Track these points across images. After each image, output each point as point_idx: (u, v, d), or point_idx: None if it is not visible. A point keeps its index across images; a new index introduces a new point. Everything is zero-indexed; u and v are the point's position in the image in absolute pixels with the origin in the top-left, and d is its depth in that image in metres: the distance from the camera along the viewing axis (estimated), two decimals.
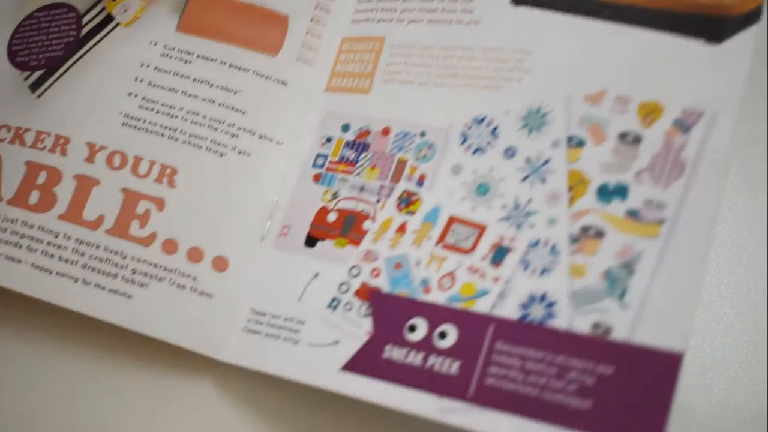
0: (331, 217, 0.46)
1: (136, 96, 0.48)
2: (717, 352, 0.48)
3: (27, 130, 0.48)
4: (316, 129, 0.48)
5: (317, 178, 0.47)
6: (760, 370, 0.47)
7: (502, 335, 0.39)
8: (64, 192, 0.47)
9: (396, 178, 0.45)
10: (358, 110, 0.48)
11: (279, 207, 0.47)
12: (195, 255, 0.46)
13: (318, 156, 0.48)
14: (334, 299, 0.43)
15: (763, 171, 0.52)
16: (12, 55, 0.50)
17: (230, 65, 0.49)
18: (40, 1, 0.51)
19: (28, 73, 0.49)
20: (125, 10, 0.50)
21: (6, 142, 0.48)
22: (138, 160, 0.47)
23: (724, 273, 0.50)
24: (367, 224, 0.45)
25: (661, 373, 0.36)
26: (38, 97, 0.49)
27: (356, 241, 0.44)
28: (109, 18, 0.50)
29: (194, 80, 0.48)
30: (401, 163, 0.45)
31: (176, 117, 0.48)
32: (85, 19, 0.50)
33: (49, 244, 0.46)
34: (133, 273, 0.45)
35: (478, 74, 0.45)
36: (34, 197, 0.47)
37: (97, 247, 0.46)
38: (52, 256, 0.46)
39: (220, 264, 0.46)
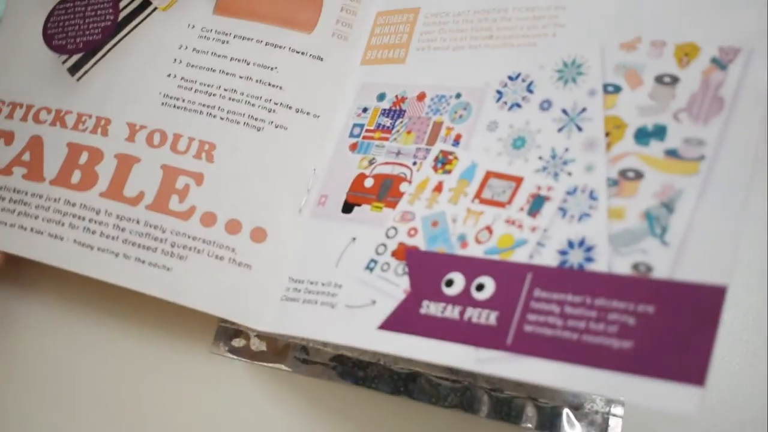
0: (368, 182, 0.45)
1: (174, 76, 0.49)
2: (717, 352, 0.47)
3: (68, 112, 0.49)
4: (351, 101, 0.49)
5: (354, 147, 0.47)
6: (760, 370, 0.47)
7: (539, 283, 0.38)
8: (106, 170, 0.48)
9: (432, 140, 0.45)
10: (394, 79, 0.48)
11: (316, 177, 0.47)
12: (233, 227, 0.46)
13: (354, 126, 0.48)
14: (371, 261, 0.43)
15: (762, 171, 0.51)
16: (48, 39, 0.51)
17: (266, 43, 0.49)
18: None
19: (65, 56, 0.51)
20: None
21: (47, 125, 0.49)
22: (177, 137, 0.48)
23: None
24: (403, 186, 0.44)
25: (703, 307, 0.34)
26: (78, 80, 0.50)
27: (393, 204, 0.44)
28: (146, 2, 0.51)
29: (231, 59, 0.49)
30: (437, 125, 0.45)
31: (214, 95, 0.48)
32: (122, 4, 0.52)
33: (90, 221, 0.47)
34: (173, 246, 0.46)
35: (513, 33, 0.45)
36: (76, 177, 0.48)
37: (138, 222, 0.46)
38: (93, 232, 0.46)
39: (259, 235, 0.46)
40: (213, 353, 0.48)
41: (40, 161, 0.48)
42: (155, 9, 0.51)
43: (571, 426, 0.45)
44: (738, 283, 0.48)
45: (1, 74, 0.52)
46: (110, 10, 0.51)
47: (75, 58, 0.51)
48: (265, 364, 0.47)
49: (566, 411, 0.46)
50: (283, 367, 0.47)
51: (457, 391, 0.47)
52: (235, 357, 0.48)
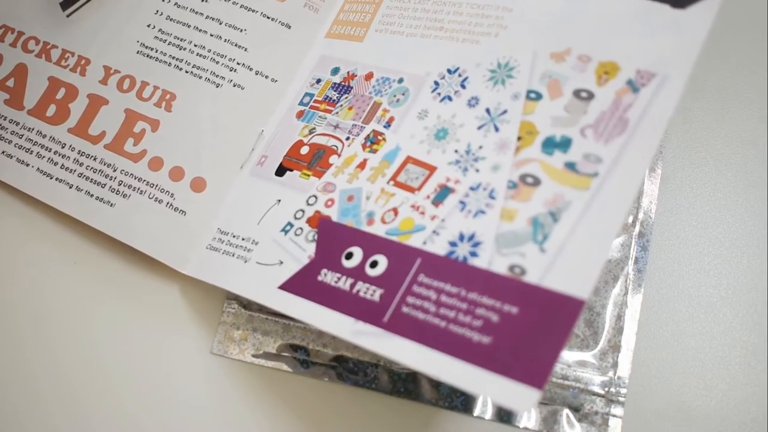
0: (304, 150, 0.48)
1: (153, 27, 0.52)
2: (717, 352, 0.47)
3: (54, 46, 0.52)
4: (309, 70, 0.51)
5: (300, 114, 0.49)
6: (760, 370, 0.47)
7: (425, 269, 0.40)
8: (77, 108, 0.51)
9: (368, 119, 0.47)
10: (349, 56, 0.50)
11: (262, 138, 0.50)
12: (176, 174, 0.49)
13: (305, 95, 0.50)
14: (288, 224, 0.45)
15: (762, 171, 0.51)
16: None
17: (241, 6, 0.52)
18: None
19: None
20: None
21: (33, 55, 0.53)
22: (144, 84, 0.51)
23: (723, 273, 0.49)
24: (333, 159, 0.46)
25: (559, 316, 0.36)
26: (68, 16, 0.53)
27: (320, 174, 0.46)
28: None
29: (207, 17, 0.52)
30: (376, 106, 0.47)
31: (184, 49, 0.51)
32: None
33: (55, 153, 0.50)
34: (120, 185, 0.49)
35: (461, 28, 0.46)
36: (51, 110, 0.51)
37: (95, 159, 0.50)
38: (56, 163, 0.50)
39: (198, 185, 0.49)
40: (213, 353, 0.49)
41: (22, 89, 0.52)
42: None
43: (571, 426, 0.46)
44: (738, 283, 0.49)
45: None
46: None
47: None
48: (265, 364, 0.48)
49: (566, 411, 0.46)
50: (283, 367, 0.48)
51: (457, 391, 0.47)
52: (235, 357, 0.49)
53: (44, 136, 0.50)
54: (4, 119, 0.51)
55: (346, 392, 0.48)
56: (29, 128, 0.51)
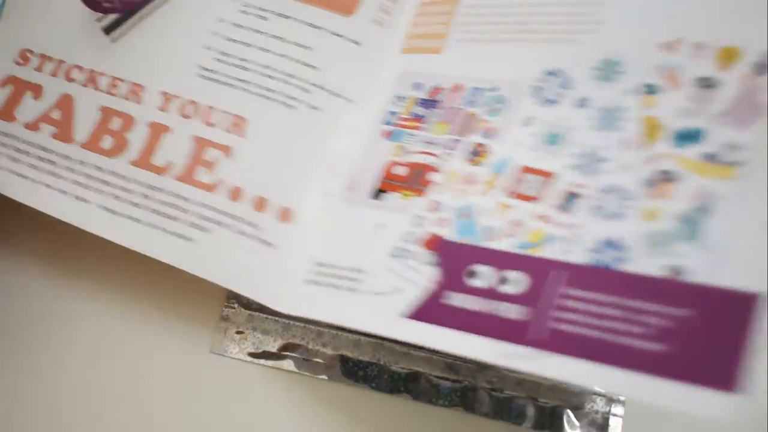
0: (399, 170, 0.45)
1: (212, 49, 0.49)
2: None
3: (101, 74, 0.49)
4: (388, 88, 0.48)
5: (388, 134, 0.47)
6: (760, 369, 0.47)
7: (569, 279, 0.38)
8: (137, 138, 0.47)
9: (465, 131, 0.44)
10: (431, 69, 0.48)
11: (347, 162, 0.47)
12: (260, 204, 0.46)
13: (389, 113, 0.48)
14: (397, 248, 0.43)
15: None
16: None
17: (305, 23, 0.49)
18: None
19: (100, 15, 0.50)
20: None
21: (79, 84, 0.49)
22: (210, 109, 0.48)
23: None
24: (434, 176, 0.44)
25: (736, 314, 0.34)
26: (113, 41, 0.50)
27: (421, 193, 0.44)
28: None
29: (270, 36, 0.49)
30: (471, 117, 0.45)
31: (250, 70, 0.48)
32: None
33: (119, 188, 0.47)
34: (197, 218, 0.46)
35: (552, 28, 0.45)
36: (107, 142, 0.47)
37: (165, 191, 0.46)
38: (120, 198, 0.46)
39: (285, 215, 0.46)
40: (212, 352, 0.48)
41: (70, 121, 0.48)
42: None
43: (572, 426, 0.46)
44: None
45: (29, 24, 0.52)
46: None
47: (111, 17, 0.50)
48: (265, 363, 0.48)
49: (567, 411, 0.46)
50: (283, 366, 0.48)
51: (457, 390, 0.47)
52: (234, 356, 0.48)
53: (103, 171, 0.47)
54: (53, 154, 0.48)
55: (346, 392, 0.48)
56: (84, 162, 0.47)
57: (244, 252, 0.45)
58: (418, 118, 0.46)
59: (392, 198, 0.44)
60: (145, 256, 0.45)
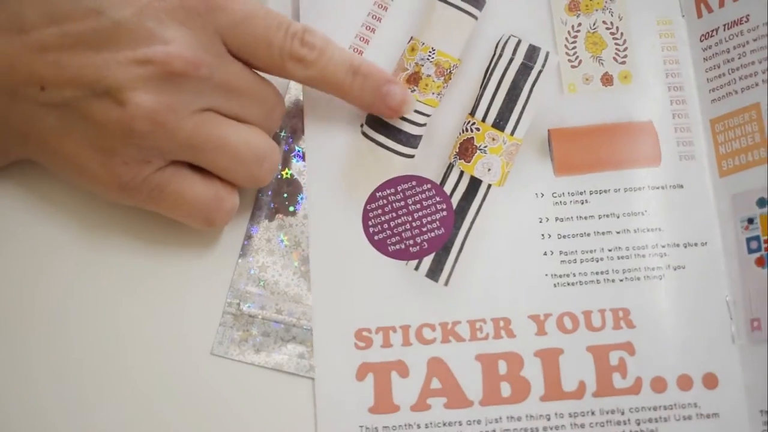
0: None
1: (552, 253, 0.48)
2: None
3: (456, 323, 0.47)
4: (729, 217, 0.48)
5: (760, 262, 0.47)
6: None
7: None
8: (533, 372, 0.46)
9: None
10: (764, 181, 0.47)
11: (734, 303, 0.47)
12: (684, 383, 0.46)
13: (749, 240, 0.48)
14: None
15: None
16: (379, 245, 0.48)
17: (625, 190, 0.48)
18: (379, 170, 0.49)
19: (413, 261, 0.48)
20: (488, 170, 0.48)
21: (439, 342, 0.47)
22: (588, 314, 0.47)
23: None
24: None
25: None
26: (446, 284, 0.48)
27: None
28: (475, 181, 0.48)
29: (599, 217, 0.48)
30: None
31: (601, 259, 0.47)
32: (446, 188, 0.49)
33: (539, 428, 0.46)
34: (638, 424, 0.46)
35: None
36: (505, 389, 0.46)
37: (592, 413, 0.46)
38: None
39: (711, 380, 0.46)
40: (213, 354, 0.48)
41: (455, 384, 0.46)
42: (489, 186, 0.48)
43: None
44: None
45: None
46: (438, 198, 0.48)
47: (427, 260, 0.48)
48: (266, 365, 0.48)
49: None
50: (284, 367, 0.48)
51: None
52: (235, 358, 0.48)
53: (518, 419, 0.46)
54: (459, 424, 0.46)
55: None
56: (493, 419, 0.46)
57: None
58: None
59: None
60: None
